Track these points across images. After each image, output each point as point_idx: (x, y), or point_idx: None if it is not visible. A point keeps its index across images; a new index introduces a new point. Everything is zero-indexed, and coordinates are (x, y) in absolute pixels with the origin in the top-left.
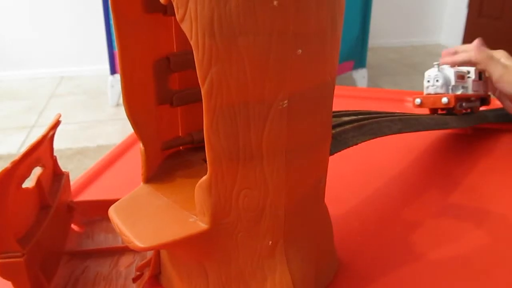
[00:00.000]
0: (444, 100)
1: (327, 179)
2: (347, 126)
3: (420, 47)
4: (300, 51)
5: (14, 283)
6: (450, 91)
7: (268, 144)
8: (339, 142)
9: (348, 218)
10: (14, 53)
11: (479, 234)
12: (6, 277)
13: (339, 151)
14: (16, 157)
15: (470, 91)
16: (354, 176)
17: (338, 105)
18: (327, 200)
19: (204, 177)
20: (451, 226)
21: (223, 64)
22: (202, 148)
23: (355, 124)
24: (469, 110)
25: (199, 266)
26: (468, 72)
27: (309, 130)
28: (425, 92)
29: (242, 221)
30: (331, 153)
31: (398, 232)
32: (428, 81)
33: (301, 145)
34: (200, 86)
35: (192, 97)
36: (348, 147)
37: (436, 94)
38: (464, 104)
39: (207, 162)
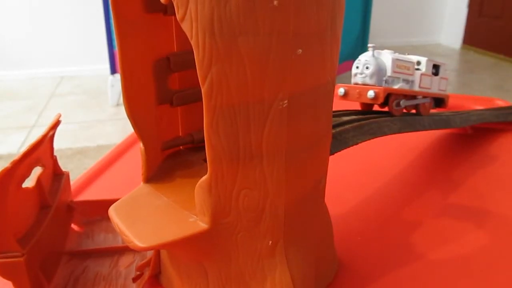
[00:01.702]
0: (370, 93)
1: (327, 179)
2: (347, 126)
3: (420, 47)
4: (300, 51)
5: (14, 283)
6: (383, 83)
7: (268, 144)
8: (339, 142)
9: (348, 218)
10: (14, 53)
11: (479, 234)
12: (6, 277)
13: (339, 150)
14: (16, 157)
15: (416, 87)
16: (354, 176)
17: (338, 105)
18: (327, 200)
19: (204, 177)
20: (451, 226)
21: (223, 64)
22: (202, 148)
23: (355, 123)
24: (413, 111)
25: (199, 266)
26: (418, 63)
27: (309, 130)
28: (352, 81)
29: (242, 221)
30: (331, 153)
31: (398, 232)
32: (357, 67)
33: (301, 145)
34: (200, 86)
35: (192, 97)
36: (348, 146)
37: (364, 84)
38: (402, 103)
39: (207, 162)
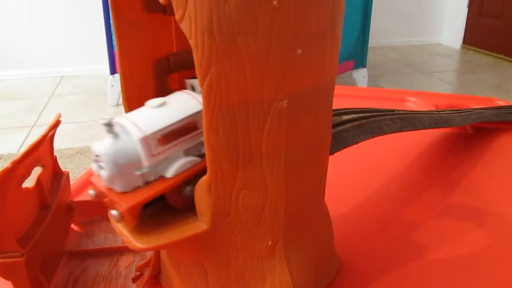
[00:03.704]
0: (113, 213)
1: (327, 179)
2: (347, 125)
3: (420, 47)
4: (299, 51)
5: (14, 283)
6: (140, 182)
7: (268, 144)
8: (339, 141)
9: (348, 218)
10: (14, 53)
11: (479, 233)
12: (6, 277)
13: (339, 150)
14: (16, 157)
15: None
16: (354, 176)
17: (338, 104)
18: (327, 200)
19: (204, 177)
20: (451, 226)
21: (222, 64)
22: None
23: (355, 123)
24: None
25: (198, 266)
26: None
27: (309, 130)
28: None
29: (241, 221)
30: (331, 153)
31: (398, 232)
32: (95, 162)
33: (301, 145)
34: (200, 86)
35: None
36: (348, 146)
37: (101, 192)
38: (189, 191)
39: (207, 162)
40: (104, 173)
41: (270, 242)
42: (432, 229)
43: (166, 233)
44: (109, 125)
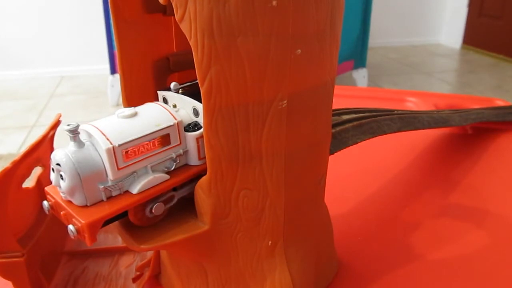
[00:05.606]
0: (70, 228)
1: (327, 179)
2: (347, 125)
3: (420, 47)
4: (299, 51)
5: (14, 283)
6: (102, 196)
7: (267, 144)
8: (339, 141)
9: (348, 218)
10: (14, 53)
11: (479, 234)
12: (6, 277)
13: (339, 150)
14: (16, 157)
15: (194, 160)
16: (354, 176)
17: (338, 104)
18: (327, 200)
19: (204, 177)
20: (451, 226)
21: (222, 65)
22: None
23: (355, 123)
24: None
25: (198, 266)
26: (196, 114)
27: (309, 130)
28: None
29: (241, 221)
30: (331, 153)
31: (398, 232)
32: (53, 171)
33: (301, 145)
34: (200, 86)
35: None
36: (348, 146)
37: (58, 205)
38: (156, 209)
39: (207, 162)
40: (63, 184)
41: (270, 242)
42: (432, 229)
43: (166, 233)
44: (74, 132)
